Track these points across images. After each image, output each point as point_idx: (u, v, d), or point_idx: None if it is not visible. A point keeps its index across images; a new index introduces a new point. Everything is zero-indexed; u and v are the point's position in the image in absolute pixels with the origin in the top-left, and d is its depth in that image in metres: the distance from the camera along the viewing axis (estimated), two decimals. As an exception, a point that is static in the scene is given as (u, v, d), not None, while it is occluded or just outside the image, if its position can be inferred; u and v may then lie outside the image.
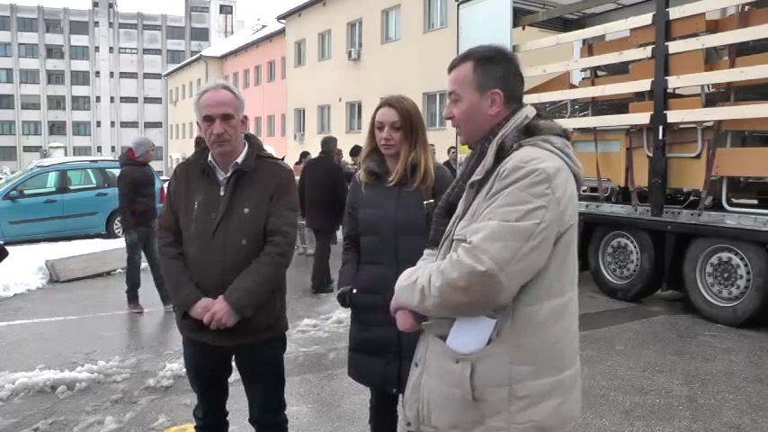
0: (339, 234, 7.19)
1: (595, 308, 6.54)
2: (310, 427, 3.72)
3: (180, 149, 46.10)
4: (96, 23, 71.47)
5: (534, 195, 1.50)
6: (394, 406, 2.70)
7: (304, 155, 13.17)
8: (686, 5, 6.24)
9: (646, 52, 6.61)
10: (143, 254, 6.66)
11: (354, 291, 2.55)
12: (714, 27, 6.32)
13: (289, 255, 2.49)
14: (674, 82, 6.36)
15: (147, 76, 73.21)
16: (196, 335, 2.46)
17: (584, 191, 7.53)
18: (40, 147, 62.29)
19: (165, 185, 2.97)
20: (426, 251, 1.83)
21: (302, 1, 28.17)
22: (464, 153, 6.78)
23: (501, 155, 1.62)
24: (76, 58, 71.98)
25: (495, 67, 1.69)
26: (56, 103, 71.64)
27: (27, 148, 67.61)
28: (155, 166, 6.92)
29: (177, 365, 4.51)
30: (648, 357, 4.99)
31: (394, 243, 2.49)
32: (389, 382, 2.51)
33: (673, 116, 6.36)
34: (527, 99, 1.81)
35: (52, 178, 12.75)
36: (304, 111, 29.34)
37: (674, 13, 6.30)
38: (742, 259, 5.90)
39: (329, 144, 7.81)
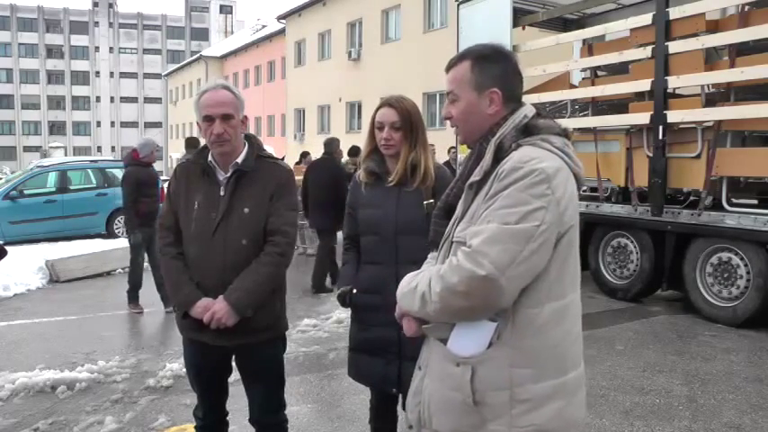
0: (339, 234, 7.20)
1: (595, 308, 6.54)
2: (310, 427, 3.72)
3: (180, 149, 46.00)
4: (96, 23, 71.46)
5: (534, 196, 1.48)
6: (394, 406, 2.70)
7: (304, 155, 13.20)
8: (686, 5, 6.24)
9: (646, 52, 6.61)
10: (146, 255, 6.66)
11: (354, 291, 2.55)
12: (714, 27, 6.32)
13: (289, 255, 2.49)
14: (674, 82, 6.36)
15: (147, 76, 73.21)
16: (196, 335, 2.46)
17: (584, 191, 7.53)
18: (40, 147, 62.29)
19: (165, 185, 2.96)
20: (430, 255, 1.81)
21: (302, 1, 28.15)
22: (464, 153, 6.78)
23: (499, 155, 1.59)
24: (76, 58, 71.97)
25: (492, 66, 1.67)
26: (56, 103, 71.63)
27: (27, 148, 67.61)
28: (155, 165, 6.90)
29: (177, 365, 4.51)
30: (648, 357, 4.99)
31: (394, 243, 2.49)
32: (389, 382, 2.51)
33: (673, 116, 6.36)
34: (527, 99, 1.79)
35: (52, 178, 12.76)
36: (304, 111, 29.33)
37: (674, 13, 6.30)
38: (742, 259, 5.90)
39: (332, 145, 7.85)
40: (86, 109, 71.98)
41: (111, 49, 71.44)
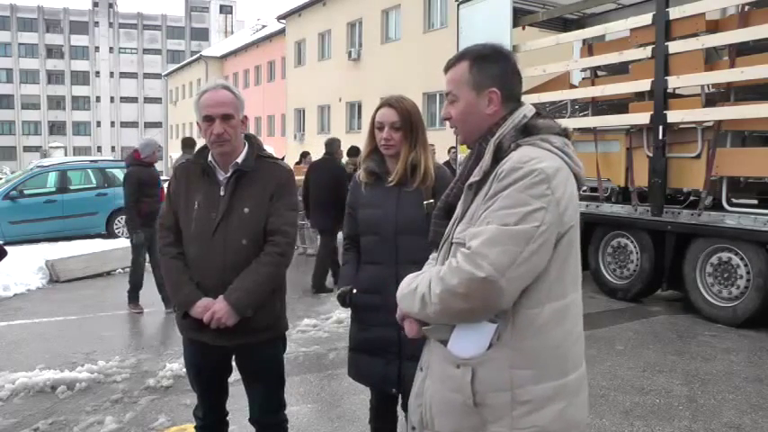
0: (340, 235, 7.21)
1: (595, 308, 6.54)
2: (310, 427, 3.72)
3: (180, 149, 46.01)
4: (96, 23, 71.45)
5: (533, 197, 1.47)
6: (394, 406, 2.70)
7: (304, 155, 13.20)
8: (686, 5, 6.24)
9: (646, 52, 6.61)
10: (147, 255, 6.65)
11: (354, 291, 2.55)
12: (714, 27, 6.32)
13: (289, 254, 2.49)
14: (674, 82, 6.36)
15: (147, 76, 73.20)
16: (196, 335, 2.46)
17: (584, 191, 7.53)
18: (40, 147, 62.28)
19: (165, 185, 2.97)
20: (431, 255, 1.81)
21: (302, 1, 28.14)
22: (464, 153, 6.78)
23: (499, 155, 1.59)
24: (76, 58, 71.96)
25: (491, 66, 1.66)
26: (56, 103, 71.62)
27: (27, 148, 67.59)
28: (155, 166, 6.90)
29: (177, 365, 4.51)
30: (648, 357, 4.99)
31: (394, 243, 2.49)
32: (389, 382, 2.51)
33: (673, 116, 6.36)
34: (527, 99, 1.79)
35: (52, 178, 12.76)
36: (304, 111, 29.33)
37: (674, 13, 6.30)
38: (742, 259, 5.90)
39: (333, 145, 7.87)
40: (86, 109, 71.97)
41: (111, 49, 71.43)
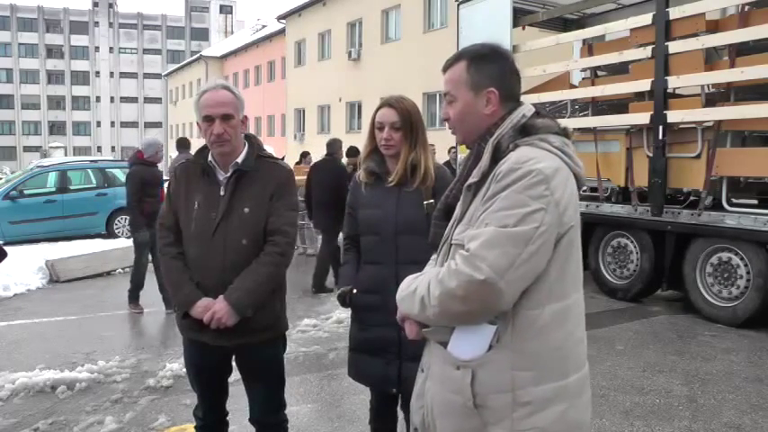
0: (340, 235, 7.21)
1: (595, 308, 6.54)
2: (310, 427, 3.72)
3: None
4: (96, 23, 71.44)
5: (532, 198, 1.46)
6: (394, 406, 2.70)
7: (304, 155, 13.21)
8: (686, 5, 6.24)
9: (646, 52, 6.61)
10: (150, 255, 6.65)
11: (354, 291, 2.55)
12: (714, 27, 6.32)
13: (289, 254, 2.49)
14: (674, 82, 6.35)
15: (147, 76, 73.21)
16: (196, 335, 2.46)
17: (584, 191, 7.53)
18: (40, 147, 62.30)
19: (166, 185, 2.97)
20: (432, 256, 1.80)
21: (302, 1, 28.15)
22: (464, 153, 6.79)
23: (497, 156, 1.57)
24: (76, 58, 71.97)
25: (489, 66, 1.65)
26: (56, 103, 71.63)
27: (27, 148, 67.60)
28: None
29: (177, 365, 4.51)
30: (648, 357, 4.99)
31: (394, 243, 2.49)
32: (389, 382, 2.51)
33: (673, 116, 6.36)
34: (527, 99, 1.78)
35: (52, 178, 12.76)
36: (304, 111, 29.34)
37: (674, 13, 6.30)
38: (742, 259, 5.90)
39: (334, 146, 7.88)
40: (86, 109, 71.98)
41: (111, 49, 71.42)
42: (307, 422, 3.78)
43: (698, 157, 6.29)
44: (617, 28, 7.30)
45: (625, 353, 5.12)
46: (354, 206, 2.65)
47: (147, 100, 72.90)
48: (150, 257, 6.65)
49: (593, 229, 7.30)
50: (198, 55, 47.83)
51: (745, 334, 5.65)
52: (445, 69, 1.71)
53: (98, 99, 71.54)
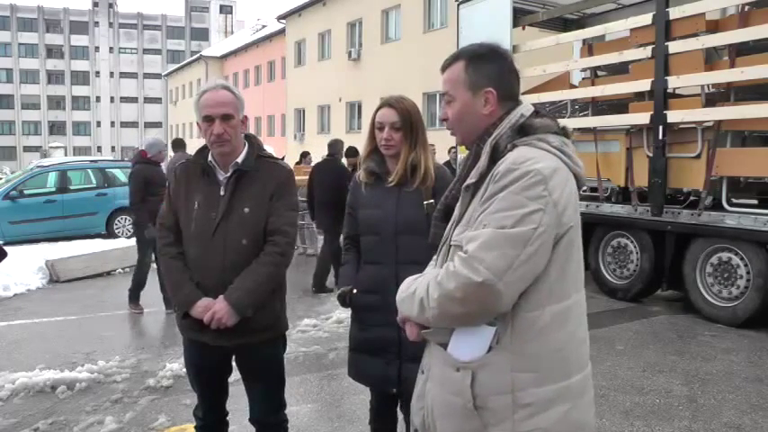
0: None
1: (595, 308, 6.54)
2: (310, 427, 3.72)
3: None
4: (96, 23, 71.44)
5: (530, 198, 1.45)
6: (394, 407, 2.70)
7: (304, 155, 13.22)
8: (686, 5, 6.24)
9: (646, 52, 6.61)
10: (153, 255, 6.63)
11: (355, 291, 2.55)
12: (714, 27, 6.32)
13: (289, 254, 2.49)
14: (674, 82, 6.35)
15: (147, 76, 73.21)
16: (196, 335, 2.46)
17: (584, 191, 7.53)
18: (40, 147, 62.30)
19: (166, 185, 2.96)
20: (434, 257, 1.80)
21: (302, 1, 28.15)
22: (464, 153, 6.79)
23: (496, 156, 1.57)
24: (76, 58, 71.98)
25: (487, 66, 1.64)
26: (56, 103, 71.63)
27: (27, 148, 67.59)
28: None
29: (177, 365, 4.51)
30: (648, 357, 4.99)
31: (394, 243, 2.49)
32: (389, 382, 2.51)
33: (673, 116, 6.36)
34: (527, 99, 1.78)
35: (52, 178, 12.75)
36: (304, 111, 29.34)
37: (674, 13, 6.30)
38: (742, 259, 5.90)
39: (336, 146, 7.89)
40: (86, 109, 71.98)
41: (111, 49, 71.42)
42: (307, 422, 3.78)
43: (698, 157, 6.29)
44: (617, 28, 7.30)
45: (625, 353, 5.12)
46: (354, 206, 2.65)
47: (147, 100, 72.91)
48: (153, 257, 6.63)
49: (593, 229, 7.30)
50: (198, 55, 47.84)
51: (745, 334, 5.65)
52: (443, 69, 1.70)
53: (98, 99, 71.54)
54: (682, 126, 6.44)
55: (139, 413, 3.94)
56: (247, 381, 2.59)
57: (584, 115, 8.01)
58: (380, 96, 2.67)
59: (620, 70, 7.41)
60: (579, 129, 7.46)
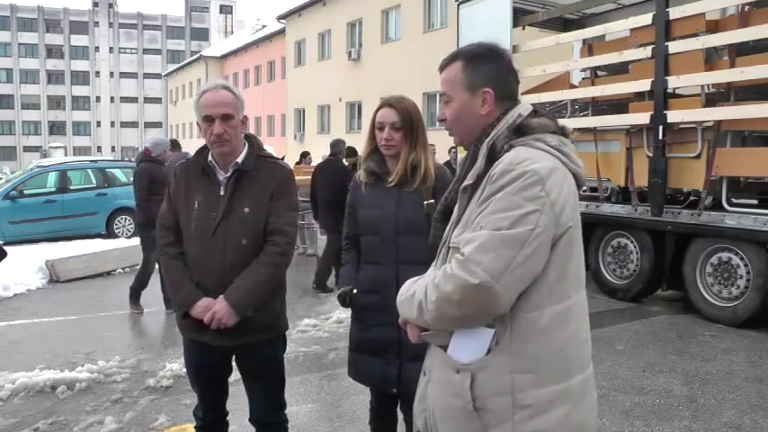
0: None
1: (595, 308, 6.54)
2: (310, 427, 3.72)
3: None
4: (96, 23, 71.43)
5: (526, 199, 1.44)
6: (394, 407, 2.70)
7: (304, 155, 13.20)
8: (686, 5, 6.24)
9: (646, 52, 6.61)
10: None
11: (355, 291, 2.55)
12: (714, 27, 6.32)
13: (289, 254, 2.49)
14: (674, 82, 6.35)
15: (147, 76, 73.22)
16: (196, 335, 2.46)
17: (584, 191, 7.53)
18: (40, 147, 62.29)
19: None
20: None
21: (302, 1, 28.16)
22: (463, 153, 6.79)
23: (493, 157, 1.56)
24: (76, 58, 71.98)
25: (484, 65, 1.63)
26: (56, 103, 71.63)
27: (27, 148, 67.59)
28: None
29: (177, 365, 4.51)
30: (648, 357, 4.99)
31: (394, 243, 2.49)
32: (389, 382, 2.51)
33: (673, 116, 6.36)
34: (527, 99, 1.77)
35: (52, 178, 12.75)
36: (304, 111, 29.34)
37: (674, 13, 6.30)
38: (742, 259, 5.90)
39: (338, 146, 7.90)
40: (86, 109, 71.98)
41: (111, 49, 71.41)
42: (307, 422, 3.78)
43: (698, 157, 6.29)
44: (617, 28, 7.30)
45: (625, 353, 5.12)
46: (354, 206, 2.65)
47: (147, 100, 72.91)
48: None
49: (593, 229, 7.30)
50: (198, 55, 47.84)
51: (745, 334, 5.65)
52: (441, 69, 1.70)
53: (98, 99, 71.53)
54: (682, 126, 6.44)
55: (139, 413, 3.94)
56: (247, 381, 2.59)
57: (584, 115, 8.01)
58: (380, 96, 2.67)
59: (620, 70, 7.41)
60: (579, 129, 7.46)
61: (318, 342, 5.47)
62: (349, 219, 2.69)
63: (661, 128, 6.42)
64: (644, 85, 6.63)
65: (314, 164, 10.51)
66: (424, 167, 2.49)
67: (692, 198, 6.61)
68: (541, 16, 8.45)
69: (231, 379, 2.65)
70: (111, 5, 72.10)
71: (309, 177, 8.05)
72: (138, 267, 6.89)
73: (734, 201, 6.44)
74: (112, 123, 70.81)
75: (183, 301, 2.43)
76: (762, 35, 5.62)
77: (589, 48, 7.84)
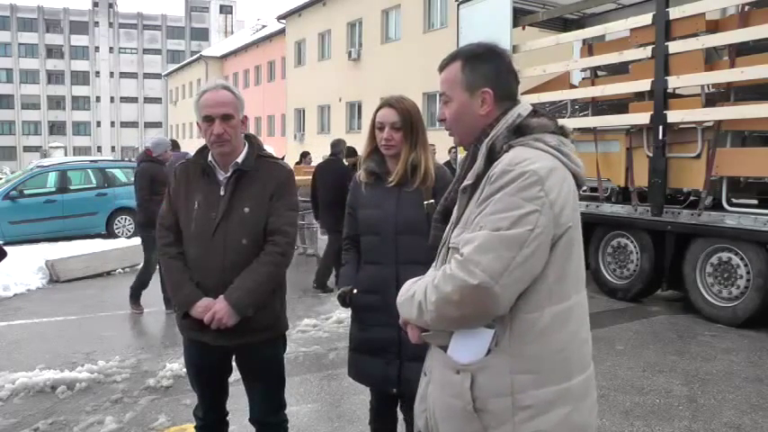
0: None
1: (595, 308, 6.53)
2: (310, 427, 3.72)
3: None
4: (96, 23, 71.43)
5: (526, 199, 1.43)
6: (394, 407, 2.70)
7: (304, 155, 13.20)
8: (686, 5, 6.24)
9: (646, 52, 6.61)
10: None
11: (355, 291, 2.55)
12: (714, 27, 6.32)
13: (289, 254, 2.49)
14: (674, 82, 6.35)
15: (147, 76, 73.21)
16: (197, 335, 2.46)
17: (584, 191, 7.53)
18: (40, 147, 62.28)
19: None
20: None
21: (302, 1, 28.16)
22: (463, 153, 6.78)
23: (492, 157, 1.55)
24: (76, 58, 71.97)
25: (484, 65, 1.63)
26: (56, 103, 71.63)
27: (27, 148, 67.59)
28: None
29: (177, 365, 4.51)
30: (648, 357, 4.99)
31: (394, 243, 2.49)
32: (389, 382, 2.51)
33: (673, 116, 6.36)
34: (527, 99, 1.77)
35: (52, 178, 12.76)
36: (304, 111, 29.35)
37: (674, 13, 6.30)
38: (742, 259, 5.90)
39: (339, 146, 7.90)
40: (86, 109, 71.98)
41: (111, 49, 71.40)
42: (307, 422, 3.78)
43: (698, 157, 6.29)
44: (617, 28, 7.30)
45: (625, 353, 5.12)
46: (354, 206, 2.65)
47: (147, 100, 72.91)
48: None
49: (593, 229, 7.30)
50: (198, 55, 47.84)
51: (745, 334, 5.65)
52: (441, 69, 1.69)
53: (98, 99, 71.52)
54: (682, 126, 6.44)
55: (139, 413, 3.94)
56: (247, 381, 2.59)
57: (585, 115, 8.01)
58: (380, 96, 2.67)
59: (620, 70, 7.41)
60: (579, 129, 7.46)
61: (318, 342, 5.47)
62: (349, 219, 2.69)
63: (661, 128, 6.42)
64: (644, 85, 6.63)
65: (314, 164, 10.52)
66: (424, 167, 2.49)
67: (692, 198, 6.61)
68: (541, 16, 8.45)
69: (231, 379, 2.65)
70: (111, 5, 72.10)
71: (309, 177, 8.06)
72: (139, 267, 6.89)
73: (734, 201, 6.44)
74: (112, 123, 70.80)
75: (183, 301, 2.43)
76: (762, 35, 5.62)
77: (589, 48, 7.84)
